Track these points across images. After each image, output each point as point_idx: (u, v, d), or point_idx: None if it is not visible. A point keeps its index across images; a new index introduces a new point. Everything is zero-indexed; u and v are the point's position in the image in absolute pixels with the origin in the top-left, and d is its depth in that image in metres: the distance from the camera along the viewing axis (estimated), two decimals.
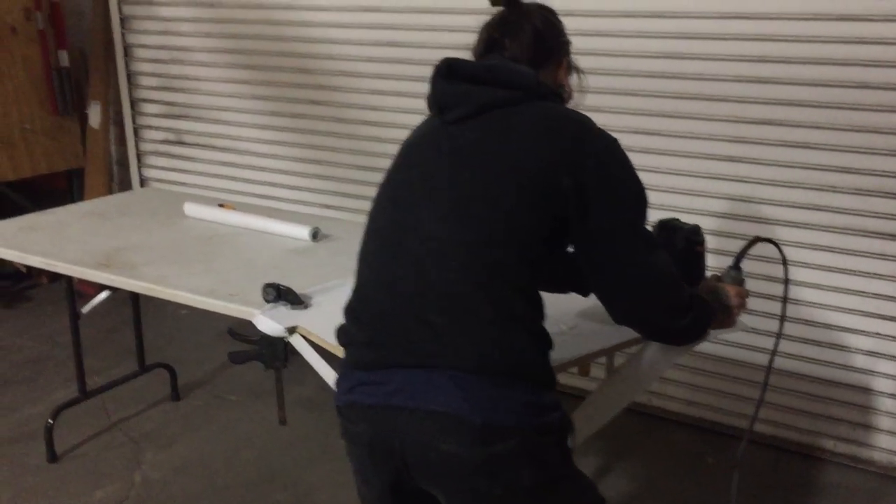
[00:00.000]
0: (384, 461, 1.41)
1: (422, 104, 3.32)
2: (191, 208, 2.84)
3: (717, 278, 1.74)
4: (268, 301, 2.04)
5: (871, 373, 2.81)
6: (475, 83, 1.46)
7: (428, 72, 3.27)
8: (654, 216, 1.62)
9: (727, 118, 2.82)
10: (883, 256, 2.70)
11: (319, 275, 2.28)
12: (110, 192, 4.40)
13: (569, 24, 1.68)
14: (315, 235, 2.61)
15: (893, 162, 2.62)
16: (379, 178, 3.56)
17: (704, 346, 1.85)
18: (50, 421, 2.88)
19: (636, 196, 1.45)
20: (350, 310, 1.52)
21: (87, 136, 4.43)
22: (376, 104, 3.54)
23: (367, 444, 1.43)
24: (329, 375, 1.93)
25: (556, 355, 1.48)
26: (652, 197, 1.50)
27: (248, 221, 2.73)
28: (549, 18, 1.61)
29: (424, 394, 1.34)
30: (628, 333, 1.79)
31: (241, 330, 2.09)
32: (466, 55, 3.39)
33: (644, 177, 1.48)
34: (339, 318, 1.97)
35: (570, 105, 1.61)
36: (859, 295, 2.76)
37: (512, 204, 1.37)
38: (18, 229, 2.71)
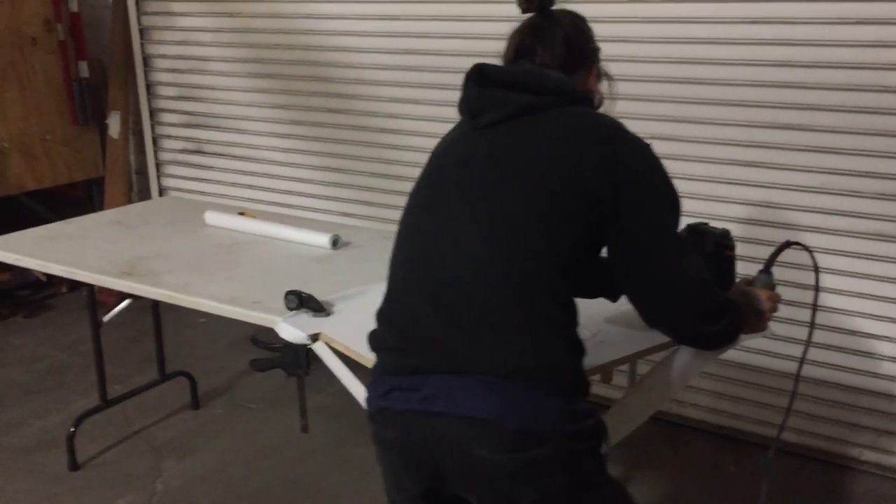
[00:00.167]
0: (417, 467, 1.41)
1: (439, 111, 3.37)
2: (211, 217, 2.85)
3: (747, 283, 1.73)
4: (290, 309, 2.04)
5: None
6: (508, 88, 1.46)
7: (446, 79, 3.33)
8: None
9: (747, 123, 2.80)
10: None
11: (340, 282, 2.28)
12: (130, 201, 4.42)
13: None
14: (335, 243, 2.61)
15: None
16: (397, 185, 3.62)
17: (725, 353, 1.84)
18: (72, 429, 2.90)
19: (670, 200, 1.45)
20: (382, 315, 1.52)
21: (106, 145, 4.46)
22: (394, 112, 3.55)
23: (399, 450, 1.43)
24: (352, 383, 1.93)
25: None
26: None
27: (268, 229, 2.73)
28: (580, 25, 1.61)
29: (459, 399, 1.33)
30: (651, 340, 1.79)
31: (263, 337, 2.08)
32: (485, 62, 3.40)
33: None
34: (361, 326, 1.97)
35: (601, 111, 1.61)
36: (884, 301, 2.73)
37: (546, 209, 1.37)
38: (40, 238, 2.72)
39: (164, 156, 4.38)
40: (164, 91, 4.27)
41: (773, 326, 1.76)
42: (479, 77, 1.49)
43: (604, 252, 1.49)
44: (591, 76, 1.61)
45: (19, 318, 4.23)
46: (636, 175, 1.41)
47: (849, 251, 2.74)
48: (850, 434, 2.89)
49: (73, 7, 4.26)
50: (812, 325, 1.76)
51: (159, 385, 3.27)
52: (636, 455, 2.95)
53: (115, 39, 4.31)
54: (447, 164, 1.51)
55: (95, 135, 4.45)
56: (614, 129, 1.45)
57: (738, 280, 1.75)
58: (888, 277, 2.71)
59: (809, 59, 2.67)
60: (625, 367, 2.11)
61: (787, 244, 1.70)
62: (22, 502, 2.73)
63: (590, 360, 1.71)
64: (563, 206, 1.38)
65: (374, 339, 1.52)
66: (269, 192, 3.99)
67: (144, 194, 4.50)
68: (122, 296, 4.01)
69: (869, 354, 2.79)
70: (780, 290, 1.74)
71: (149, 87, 4.29)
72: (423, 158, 3.49)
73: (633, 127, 1.48)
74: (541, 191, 1.38)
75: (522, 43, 1.57)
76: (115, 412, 3.16)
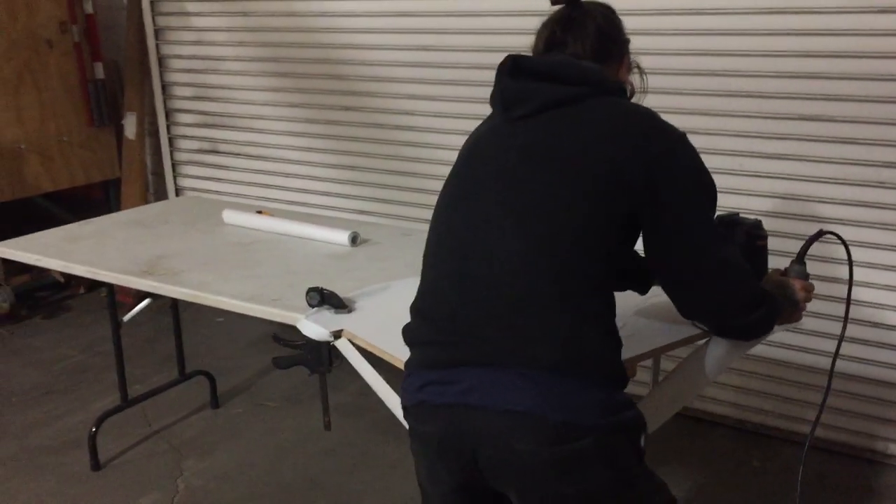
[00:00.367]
0: (454, 461, 1.40)
1: (456, 107, 3.36)
2: (230, 215, 2.84)
3: (780, 273, 1.71)
4: (312, 305, 2.03)
5: None
6: (541, 80, 1.45)
7: (462, 75, 3.32)
8: None
9: (769, 115, 2.78)
10: None
11: (361, 279, 2.27)
12: (146, 201, 4.43)
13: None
14: (354, 240, 2.60)
15: None
16: (414, 182, 3.61)
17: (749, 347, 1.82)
18: (93, 429, 2.90)
19: (707, 190, 1.44)
20: (417, 309, 1.51)
21: (122, 146, 4.47)
22: (410, 109, 3.53)
23: (436, 444, 1.42)
24: (375, 380, 1.92)
25: None
26: None
27: (286, 227, 2.72)
28: (610, 16, 1.60)
29: (498, 392, 1.32)
30: (679, 334, 1.77)
31: (284, 335, 2.08)
32: (500, 57, 3.38)
33: None
34: (384, 322, 1.98)
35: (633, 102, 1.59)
36: None
37: (584, 200, 1.36)
38: (60, 239, 2.73)
39: (180, 156, 4.38)
40: (179, 91, 4.27)
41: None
42: (512, 68, 1.48)
43: (638, 244, 1.47)
44: (623, 67, 1.61)
45: (38, 319, 4.25)
46: (673, 164, 1.40)
47: (874, 242, 2.71)
48: (877, 428, 2.86)
49: (88, 9, 4.28)
50: (846, 318, 1.74)
51: (179, 384, 3.27)
52: (658, 451, 2.92)
53: (131, 40, 4.32)
54: (479, 157, 1.50)
55: (111, 136, 4.46)
56: (650, 119, 1.44)
57: (770, 270, 1.73)
58: None
59: (831, 48, 2.64)
60: (647, 363, 2.08)
61: (821, 233, 1.68)
62: (45, 503, 2.73)
63: None
64: (601, 197, 1.37)
65: (409, 333, 1.51)
66: (285, 190, 3.99)
67: (161, 195, 4.51)
68: (141, 296, 4.03)
69: (895, 347, 2.76)
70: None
71: (164, 87, 4.30)
72: (440, 155, 3.54)
73: None
74: (578, 182, 1.37)
75: (553, 34, 1.56)
76: (135, 412, 3.16)
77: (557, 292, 1.34)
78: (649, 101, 2.94)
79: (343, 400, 3.25)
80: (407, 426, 1.51)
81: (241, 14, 3.90)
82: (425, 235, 2.70)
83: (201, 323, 4.04)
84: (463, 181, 1.51)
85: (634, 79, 1.65)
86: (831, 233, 1.70)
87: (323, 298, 2.02)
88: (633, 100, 1.61)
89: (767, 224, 2.77)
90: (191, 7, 4.06)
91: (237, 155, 4.14)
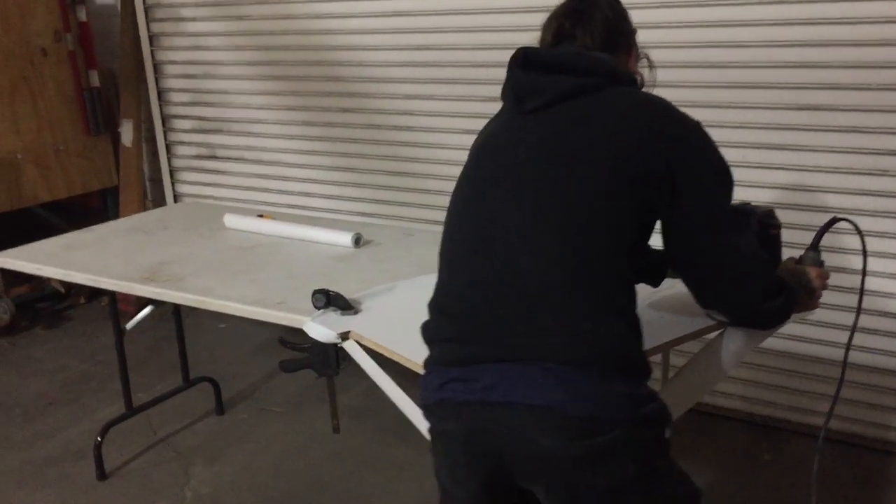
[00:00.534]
0: (478, 458, 1.38)
1: (455, 106, 3.35)
2: (231, 220, 2.82)
3: (795, 261, 1.70)
4: (318, 307, 2.01)
5: None
6: (554, 72, 1.44)
7: (461, 74, 3.31)
8: None
9: (772, 105, 2.76)
10: None
11: (365, 280, 2.25)
12: (144, 209, 4.40)
13: None
14: (357, 241, 2.58)
15: None
16: (413, 183, 3.59)
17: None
18: (98, 438, 2.87)
19: (724, 177, 1.44)
20: (436, 306, 1.50)
21: (119, 154, 4.45)
22: (409, 109, 3.52)
23: (459, 442, 1.40)
24: (384, 381, 1.89)
25: None
26: None
27: (288, 230, 2.70)
28: (617, 7, 1.60)
29: (521, 388, 1.31)
30: (688, 327, 1.75)
31: (290, 339, 2.06)
32: (500, 55, 3.35)
33: None
34: (391, 322, 1.96)
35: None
36: None
37: (604, 191, 1.35)
38: (61, 248, 2.70)
39: (178, 162, 4.36)
40: (175, 97, 4.25)
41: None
42: (523, 61, 1.48)
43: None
44: (632, 58, 1.60)
45: (39, 329, 4.22)
46: (690, 153, 1.40)
47: (881, 231, 2.69)
48: (889, 418, 2.84)
49: (82, 17, 4.26)
50: (859, 306, 1.72)
51: (183, 391, 3.24)
52: None
53: (125, 47, 4.30)
54: (493, 152, 1.49)
55: (108, 144, 4.44)
56: (666, 108, 1.44)
57: (784, 259, 1.72)
58: None
59: (833, 37, 2.62)
60: (656, 358, 2.07)
61: (835, 220, 1.67)
62: None
63: None
64: (620, 188, 1.36)
65: (428, 331, 1.50)
66: (284, 194, 3.96)
67: (159, 202, 4.49)
68: (141, 305, 4.01)
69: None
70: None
71: (160, 93, 4.28)
72: (440, 154, 3.52)
73: None
74: (597, 172, 1.36)
75: (562, 27, 1.55)
76: (140, 420, 3.14)
77: (579, 285, 1.33)
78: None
79: (348, 403, 3.23)
80: (426, 425, 1.49)
81: (237, 18, 3.88)
82: (428, 236, 2.73)
83: (203, 330, 4.02)
84: (477, 177, 1.49)
85: (644, 70, 1.64)
86: (845, 219, 1.68)
87: (329, 300, 2.00)
88: (644, 90, 1.59)
89: None
90: (186, 13, 4.04)
91: (235, 160, 4.12)
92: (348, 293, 2.07)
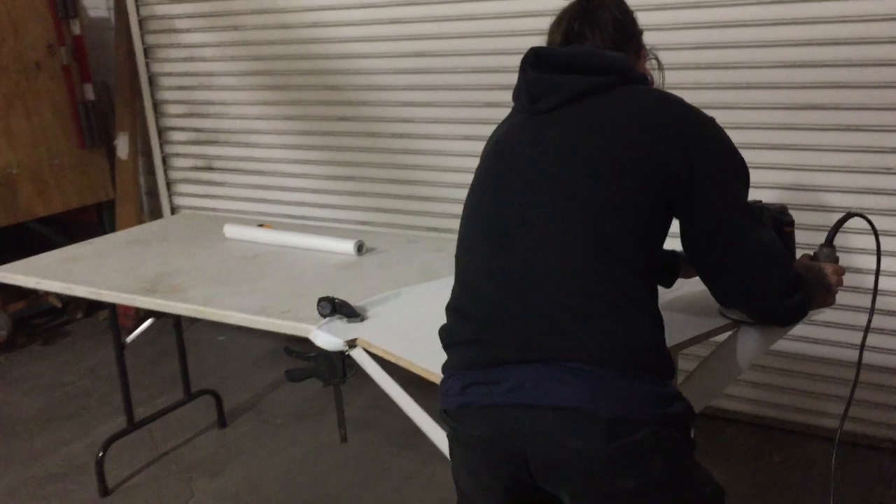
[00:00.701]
0: (503, 463, 1.35)
1: (454, 112, 3.33)
2: (231, 230, 2.80)
3: (810, 257, 1.69)
4: (323, 315, 1.99)
5: None
6: (567, 71, 1.43)
7: (459, 80, 3.29)
8: None
9: (774, 106, 2.75)
10: None
11: (369, 287, 2.22)
12: (141, 222, 4.37)
13: None
14: (360, 249, 2.56)
15: None
16: (413, 190, 3.57)
17: None
18: (100, 453, 2.83)
19: (741, 173, 1.43)
20: (455, 309, 1.48)
21: (115, 167, 4.42)
22: (407, 116, 3.50)
23: (483, 447, 1.37)
24: (393, 388, 1.87)
25: None
26: None
27: (289, 239, 2.68)
28: (624, 7, 1.59)
29: (546, 389, 1.28)
30: (700, 328, 1.73)
31: (295, 348, 2.04)
32: (498, 60, 3.34)
33: None
34: (398, 329, 1.94)
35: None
36: None
37: (625, 188, 1.34)
38: (60, 261, 2.67)
39: (175, 174, 4.33)
40: (171, 109, 4.23)
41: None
42: (535, 61, 1.47)
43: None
44: (641, 58, 1.59)
45: (36, 345, 4.18)
46: (708, 149, 1.39)
47: (885, 230, 2.67)
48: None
49: (76, 30, 4.23)
50: (872, 305, 1.71)
51: (185, 405, 3.21)
52: None
53: (120, 60, 4.28)
54: (508, 153, 1.47)
55: (103, 157, 4.41)
56: (682, 105, 1.43)
57: (799, 256, 1.71)
58: None
59: (834, 36, 2.62)
60: None
61: (849, 216, 1.66)
62: None
63: None
64: (641, 185, 1.35)
65: (448, 334, 1.47)
66: (282, 204, 3.94)
67: (156, 215, 4.46)
68: (140, 319, 3.98)
69: None
70: None
71: (156, 106, 4.25)
72: (439, 162, 3.50)
73: None
74: (618, 171, 1.35)
75: (571, 28, 1.54)
76: (141, 434, 3.10)
77: (604, 281, 1.31)
78: None
79: (353, 413, 3.19)
80: (438, 433, 1.46)
81: (232, 28, 3.86)
82: (431, 242, 2.71)
83: (202, 343, 3.99)
84: (493, 179, 1.48)
85: (653, 72, 1.64)
86: (859, 215, 1.67)
87: (335, 308, 1.98)
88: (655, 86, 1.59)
89: None
90: (180, 24, 4.02)
91: (233, 171, 4.09)
92: (353, 301, 2.04)
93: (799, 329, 2.71)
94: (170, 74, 4.16)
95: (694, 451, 1.36)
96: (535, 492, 1.37)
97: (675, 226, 1.44)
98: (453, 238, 2.91)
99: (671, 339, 1.73)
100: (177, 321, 3.13)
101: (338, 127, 3.70)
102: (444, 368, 1.47)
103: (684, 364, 2.34)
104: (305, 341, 1.99)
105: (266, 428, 3.23)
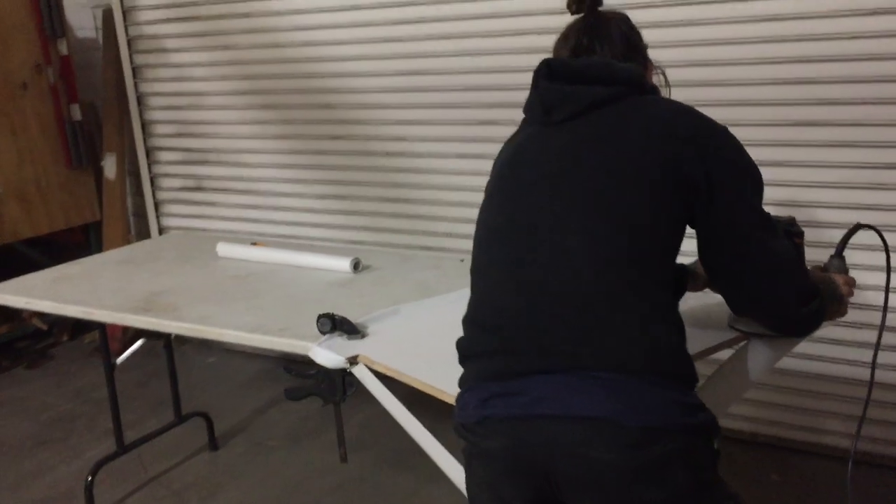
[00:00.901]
0: (525, 476, 1.32)
1: (447, 131, 3.31)
2: (224, 248, 2.76)
3: (820, 269, 1.68)
4: (323, 332, 1.95)
5: None
6: (581, 82, 1.43)
7: (452, 98, 3.27)
8: None
9: (767, 122, 2.76)
10: None
11: (367, 304, 2.19)
12: (128, 243, 4.32)
13: None
14: (356, 266, 2.53)
15: None
16: (408, 209, 3.54)
17: None
18: (89, 478, 2.77)
19: (756, 181, 1.43)
20: (472, 320, 1.46)
21: (102, 188, 4.38)
22: (400, 134, 3.49)
23: (504, 460, 1.34)
24: (394, 405, 1.83)
25: None
26: None
27: (285, 257, 2.65)
28: (629, 22, 1.60)
29: (570, 400, 1.26)
30: (703, 343, 1.72)
31: (291, 366, 2.00)
32: (492, 78, 3.34)
33: None
34: (400, 345, 1.91)
35: None
36: None
37: (645, 196, 1.34)
38: (49, 281, 2.63)
39: (163, 195, 4.29)
40: (160, 129, 4.20)
41: None
42: (548, 72, 1.47)
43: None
44: (648, 71, 1.59)
45: (21, 369, 4.11)
46: (724, 158, 1.39)
47: (881, 246, 2.68)
48: None
49: (63, 50, 4.20)
50: (883, 320, 1.70)
51: (175, 427, 3.15)
52: None
53: (108, 80, 4.25)
54: (523, 165, 1.46)
55: (91, 178, 4.37)
56: (696, 115, 1.43)
57: (810, 268, 1.70)
58: None
59: (826, 53, 2.64)
60: None
61: (858, 227, 1.66)
62: None
63: None
64: (660, 193, 1.34)
65: (465, 346, 1.45)
66: (274, 224, 3.91)
67: (143, 235, 4.41)
68: (127, 341, 3.93)
69: None
70: None
71: (144, 125, 4.22)
72: (432, 180, 3.49)
73: None
74: (636, 179, 1.35)
75: (580, 42, 1.54)
76: (131, 458, 3.04)
77: (628, 291, 1.30)
78: None
79: (347, 434, 3.09)
80: (442, 453, 1.43)
81: (223, 48, 3.85)
82: (427, 260, 2.70)
83: (192, 365, 3.94)
84: (508, 190, 1.47)
85: (662, 89, 1.63)
86: (868, 226, 1.67)
87: (335, 324, 1.95)
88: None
89: None
90: (170, 44, 4.00)
91: (223, 191, 4.06)
92: (352, 318, 2.02)
93: (797, 346, 2.73)
94: (159, 94, 4.14)
95: (718, 463, 1.34)
96: None
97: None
98: (448, 256, 2.91)
99: None
100: (167, 342, 3.08)
101: (330, 146, 3.68)
102: (462, 381, 1.44)
103: None
104: (297, 362, 1.95)
105: (258, 450, 3.18)
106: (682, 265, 1.69)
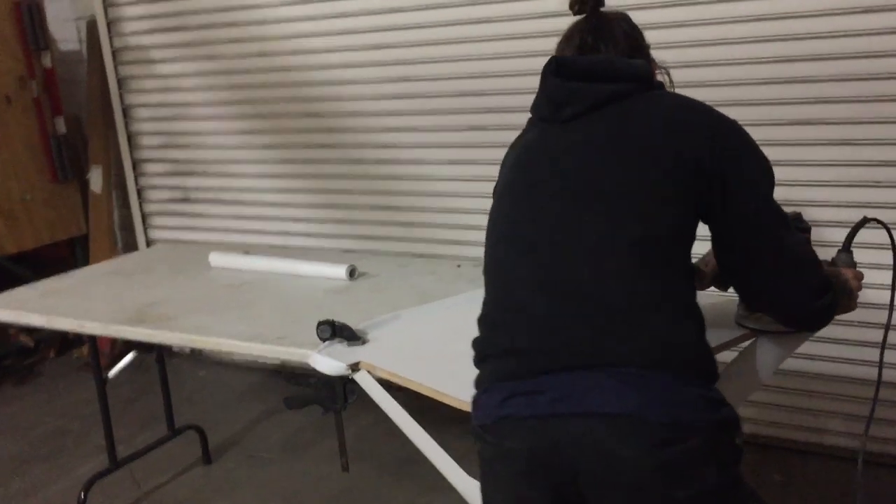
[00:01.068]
0: (546, 476, 1.29)
1: (439, 137, 3.29)
2: (216, 258, 2.73)
3: (828, 263, 1.67)
4: (323, 339, 1.92)
5: None
6: (590, 79, 1.42)
7: (443, 104, 3.25)
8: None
9: (760, 122, 2.75)
10: None
11: (365, 311, 2.16)
12: (115, 257, 4.27)
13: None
14: (352, 273, 2.51)
15: None
16: (398, 216, 3.50)
17: None
18: (82, 495, 2.72)
19: (769, 174, 1.43)
20: (488, 320, 1.43)
21: (88, 201, 4.32)
22: (390, 141, 3.46)
23: (525, 461, 1.31)
24: (397, 413, 1.80)
25: None
26: None
27: (280, 266, 2.62)
28: (631, 22, 1.59)
29: (594, 397, 1.23)
30: (713, 340, 1.69)
31: (274, 379, 1.98)
32: (483, 83, 3.31)
33: None
34: (401, 351, 1.88)
35: None
36: None
37: (662, 190, 1.33)
38: (38, 294, 2.58)
39: (150, 207, 4.24)
40: (146, 141, 4.15)
41: None
42: (557, 70, 1.45)
43: None
44: (653, 69, 1.57)
45: (8, 387, 4.04)
46: (738, 151, 1.39)
47: (877, 243, 2.67)
48: None
49: (47, 63, 4.15)
50: (889, 317, 1.69)
51: (168, 442, 3.09)
52: None
53: (93, 92, 4.20)
54: (537, 162, 1.45)
55: (76, 192, 4.31)
56: (706, 108, 1.43)
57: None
58: None
59: (818, 52, 2.64)
60: None
61: (865, 220, 1.65)
62: None
63: None
64: (675, 188, 1.34)
65: (482, 346, 1.42)
66: (264, 234, 3.87)
67: (130, 249, 4.35)
68: (115, 356, 3.86)
69: None
70: None
71: (130, 137, 4.17)
72: (424, 187, 3.47)
73: None
74: (650, 173, 1.34)
75: (584, 42, 1.53)
76: (123, 474, 2.97)
77: (648, 286, 1.29)
78: None
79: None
80: (448, 461, 1.41)
81: (209, 58, 3.81)
82: (423, 265, 2.67)
83: (182, 378, 3.88)
84: (521, 189, 1.45)
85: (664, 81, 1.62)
86: (875, 220, 1.66)
87: (335, 331, 1.91)
88: None
89: None
90: (156, 55, 3.96)
91: (212, 202, 4.01)
92: (351, 324, 1.98)
93: (801, 345, 2.72)
94: (145, 105, 4.09)
95: (741, 460, 1.32)
96: None
97: None
98: (443, 262, 2.87)
99: None
100: (160, 356, 3.03)
101: (320, 154, 3.65)
102: (478, 382, 1.41)
103: None
104: (290, 376, 1.92)
105: (253, 463, 3.13)
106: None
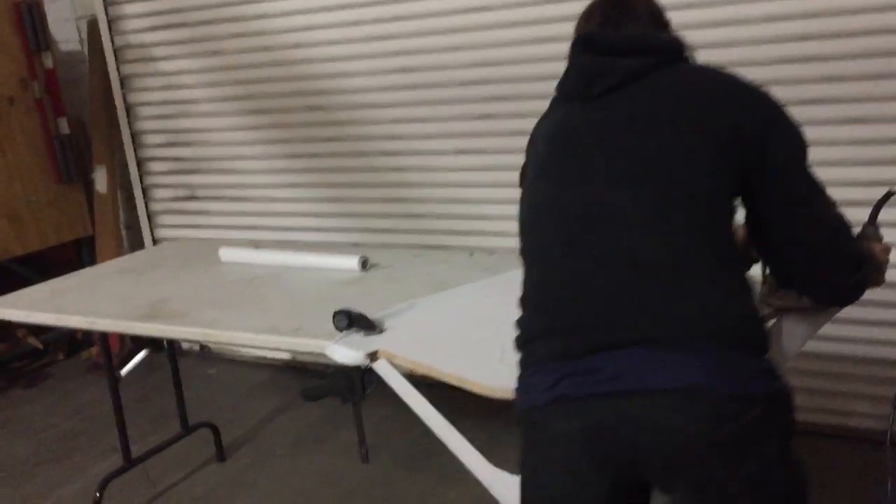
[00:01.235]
0: (606, 457, 1.26)
1: (444, 127, 3.26)
2: (226, 253, 2.71)
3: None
4: (340, 329, 1.89)
5: None
6: (621, 54, 1.40)
7: (446, 94, 3.22)
8: None
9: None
10: None
11: (379, 301, 2.13)
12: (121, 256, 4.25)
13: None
14: (364, 264, 2.48)
15: None
16: (404, 208, 3.48)
17: None
18: (97, 494, 2.70)
19: (805, 145, 1.40)
20: (532, 300, 1.41)
21: (94, 201, 4.30)
22: (397, 133, 3.44)
23: (582, 442, 1.27)
24: (418, 401, 1.78)
25: None
26: None
27: (291, 259, 2.60)
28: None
29: (653, 372, 1.21)
30: None
31: (286, 376, 1.96)
32: (488, 71, 3.28)
33: None
34: (420, 338, 1.86)
35: None
36: None
37: (701, 165, 1.31)
38: (48, 293, 2.56)
39: (156, 206, 4.22)
40: (150, 139, 4.13)
41: None
42: (586, 45, 1.44)
43: None
44: None
45: (18, 389, 4.02)
46: (778, 125, 1.37)
47: (892, 222, 2.65)
48: None
49: (49, 63, 4.13)
50: None
51: (181, 440, 3.08)
52: None
53: (95, 91, 4.18)
54: (572, 139, 1.42)
55: (81, 192, 4.29)
56: (738, 78, 1.40)
57: None
58: None
59: (827, 30, 2.61)
60: None
61: (890, 194, 1.62)
62: None
63: None
64: (715, 161, 1.32)
65: (527, 326, 1.40)
66: (271, 230, 3.84)
67: (137, 248, 4.33)
68: (125, 356, 3.85)
69: None
70: None
71: (134, 136, 4.15)
72: (432, 178, 3.44)
73: None
74: (690, 147, 1.32)
75: (608, 18, 1.51)
76: (137, 473, 2.96)
77: (701, 257, 1.28)
78: None
79: (354, 439, 3.08)
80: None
81: (212, 54, 3.79)
82: (436, 255, 2.65)
83: (193, 377, 3.85)
84: (554, 169, 1.43)
85: None
86: None
87: (351, 321, 1.89)
88: None
89: None
90: (158, 52, 3.94)
91: (218, 198, 3.99)
92: (367, 314, 1.96)
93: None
94: (148, 104, 4.07)
95: (795, 432, 1.30)
96: (639, 490, 1.31)
97: None
98: (455, 252, 2.84)
99: None
100: (172, 353, 3.01)
101: (326, 148, 3.62)
102: (523, 364, 1.39)
103: None
104: (300, 371, 1.90)
105: (267, 459, 3.11)
106: None
